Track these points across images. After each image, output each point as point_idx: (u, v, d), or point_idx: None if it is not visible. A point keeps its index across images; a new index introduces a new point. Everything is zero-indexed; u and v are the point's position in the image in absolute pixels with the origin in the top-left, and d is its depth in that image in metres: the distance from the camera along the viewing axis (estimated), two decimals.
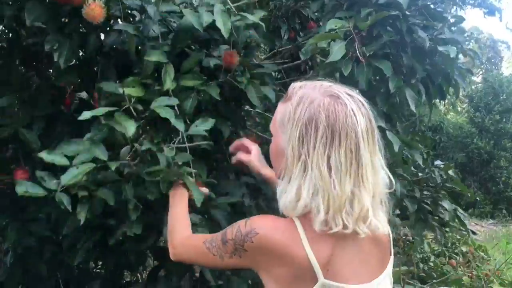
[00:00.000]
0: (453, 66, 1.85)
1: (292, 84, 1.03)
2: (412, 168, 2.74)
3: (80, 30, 1.65)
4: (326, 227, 0.90)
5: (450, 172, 2.63)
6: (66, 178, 1.23)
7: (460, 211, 2.59)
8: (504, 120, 11.23)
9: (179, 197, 1.35)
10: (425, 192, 2.73)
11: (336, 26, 1.73)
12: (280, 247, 0.91)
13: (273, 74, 3.56)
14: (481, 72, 12.66)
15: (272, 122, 1.05)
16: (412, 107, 1.76)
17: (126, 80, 1.48)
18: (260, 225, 0.94)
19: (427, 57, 1.89)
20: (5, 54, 1.75)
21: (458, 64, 1.97)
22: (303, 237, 0.92)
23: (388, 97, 1.81)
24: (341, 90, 0.95)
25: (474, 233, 3.21)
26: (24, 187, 1.21)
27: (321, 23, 2.19)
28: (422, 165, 2.23)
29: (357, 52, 1.68)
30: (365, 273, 0.97)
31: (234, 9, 1.60)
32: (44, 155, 1.27)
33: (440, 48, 1.78)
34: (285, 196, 0.95)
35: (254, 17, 1.61)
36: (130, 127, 1.30)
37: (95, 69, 1.74)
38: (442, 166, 2.78)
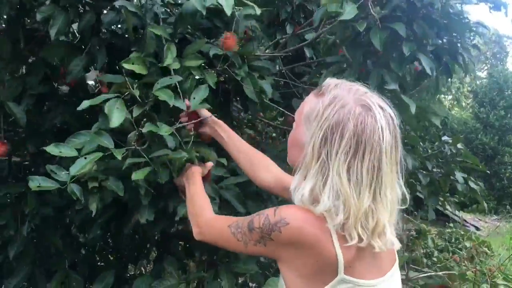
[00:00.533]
0: (465, 30, 1.85)
1: (328, 79, 1.01)
2: (422, 144, 2.76)
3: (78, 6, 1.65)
4: (342, 232, 0.90)
5: (459, 145, 2.63)
6: (75, 169, 1.26)
7: (472, 180, 2.60)
8: (509, 115, 11.23)
9: (193, 176, 1.38)
10: (435, 169, 2.74)
11: None
12: (311, 240, 0.91)
13: (278, 64, 3.55)
14: (486, 68, 12.63)
15: (298, 111, 1.04)
16: (428, 71, 1.76)
17: (129, 57, 1.47)
18: (290, 215, 0.93)
19: (437, 25, 1.90)
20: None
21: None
22: (333, 233, 0.91)
23: (402, 61, 1.81)
24: (375, 100, 0.93)
25: (477, 228, 3.21)
26: (36, 182, 1.25)
27: None
28: (438, 131, 2.21)
29: (372, 11, 1.68)
30: (378, 268, 0.98)
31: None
32: (51, 148, 1.29)
33: (452, 10, 1.78)
34: (299, 193, 0.95)
35: (255, 9, 1.61)
36: (115, 118, 1.32)
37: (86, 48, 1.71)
38: (450, 141, 2.79)
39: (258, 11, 1.60)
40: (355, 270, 0.92)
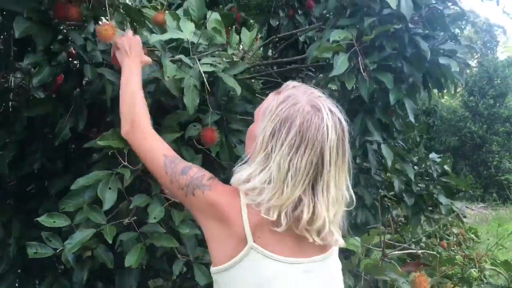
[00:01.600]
0: (452, 75, 1.88)
1: (290, 81, 1.08)
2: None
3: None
4: (259, 208, 0.99)
5: (446, 167, 2.70)
6: (72, 244, 1.38)
7: (455, 206, 2.68)
8: (497, 104, 11.30)
9: (133, 65, 1.34)
10: (419, 184, 2.80)
11: (339, 37, 1.74)
12: (222, 209, 1.02)
13: (270, 51, 3.56)
14: (476, 57, 12.65)
15: (258, 107, 1.10)
16: (411, 118, 1.80)
17: (103, 135, 1.53)
18: (215, 185, 1.05)
19: (426, 64, 1.92)
20: None
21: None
22: (243, 205, 1.01)
23: (387, 108, 1.84)
24: (326, 104, 1.00)
25: (464, 216, 3.30)
26: (34, 249, 1.38)
27: (322, 24, 2.18)
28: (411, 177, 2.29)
29: (360, 65, 1.70)
30: (299, 250, 1.03)
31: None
32: (45, 219, 1.40)
33: (442, 61, 1.81)
34: (239, 174, 1.03)
35: (236, 70, 1.67)
36: (107, 201, 1.42)
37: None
38: (437, 159, 2.84)
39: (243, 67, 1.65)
40: (266, 242, 0.99)
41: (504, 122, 11.33)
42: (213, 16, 1.78)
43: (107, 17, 1.54)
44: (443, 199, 2.68)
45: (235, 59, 1.82)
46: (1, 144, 1.73)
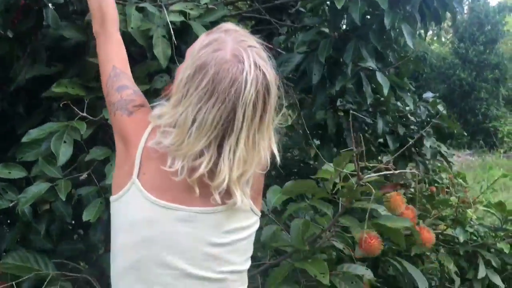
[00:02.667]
0: (452, 5, 1.71)
1: (228, 23, 1.01)
2: (398, 103, 2.67)
3: None
4: (159, 147, 0.95)
5: (440, 107, 2.56)
6: (26, 197, 1.35)
7: (444, 150, 2.58)
8: (487, 51, 11.18)
9: None
10: (411, 127, 2.68)
11: None
12: (128, 132, 1.03)
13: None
14: (467, 2, 12.36)
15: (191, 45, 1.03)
16: (410, 43, 1.66)
17: (59, 81, 1.48)
18: (136, 113, 1.05)
19: None
20: None
21: None
22: (145, 135, 0.99)
23: (382, 34, 1.68)
24: (253, 55, 0.91)
25: (451, 162, 3.24)
26: None
27: None
28: (411, 106, 2.15)
29: None
30: (178, 197, 0.97)
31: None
32: (1, 170, 1.38)
33: None
34: (156, 110, 0.99)
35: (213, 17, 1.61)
36: (62, 155, 1.38)
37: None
38: (430, 100, 2.71)
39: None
40: (148, 181, 0.96)
41: (493, 69, 11.27)
42: None
43: None
44: (430, 142, 2.56)
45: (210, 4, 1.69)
46: None
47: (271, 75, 0.92)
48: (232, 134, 0.90)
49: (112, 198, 1.03)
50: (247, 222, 1.04)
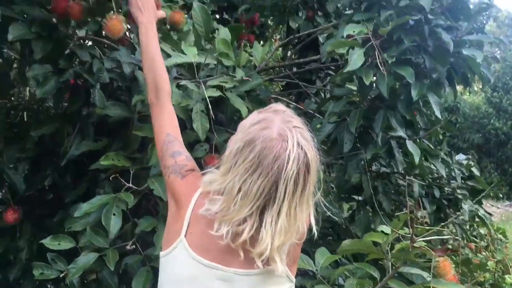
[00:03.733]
0: (479, 68, 1.76)
1: (278, 104, 1.10)
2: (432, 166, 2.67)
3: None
4: (207, 213, 1.03)
5: (474, 169, 2.55)
6: (76, 268, 1.42)
7: (482, 213, 2.52)
8: None
9: (148, 24, 1.36)
10: (446, 189, 2.66)
11: (354, 32, 1.64)
12: (181, 192, 1.13)
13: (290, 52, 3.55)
14: (499, 51, 12.31)
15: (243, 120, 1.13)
16: (437, 113, 1.70)
17: (106, 154, 1.59)
18: (188, 176, 1.15)
19: (450, 57, 1.80)
20: None
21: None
22: (195, 197, 1.09)
23: (410, 104, 1.73)
24: (297, 136, 0.99)
25: (490, 214, 3.15)
26: (39, 270, 1.43)
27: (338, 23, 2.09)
28: (443, 173, 2.15)
29: (377, 60, 1.60)
30: (220, 258, 1.04)
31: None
32: (50, 242, 1.46)
33: (465, 52, 1.69)
34: (207, 176, 1.08)
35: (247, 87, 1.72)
36: (112, 228, 1.46)
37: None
38: (463, 162, 2.69)
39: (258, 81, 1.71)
40: (194, 241, 1.04)
41: None
42: (221, 34, 1.77)
43: (114, 12, 1.50)
44: (467, 205, 2.53)
45: (246, 74, 1.80)
46: (14, 160, 1.73)
47: (312, 155, 1.00)
48: (274, 205, 0.97)
49: (161, 254, 1.11)
50: (281, 287, 1.09)
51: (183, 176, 1.15)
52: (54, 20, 1.66)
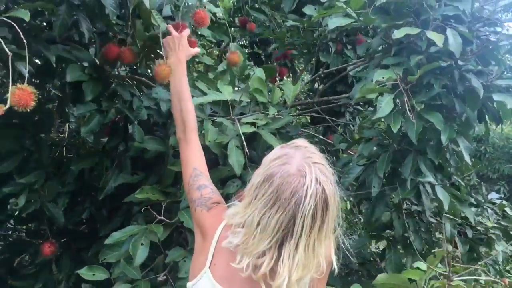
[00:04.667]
0: (510, 114, 1.76)
1: (301, 139, 1.12)
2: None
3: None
4: (229, 245, 1.06)
5: (507, 210, 2.50)
6: None
7: None
8: None
9: (178, 66, 1.46)
10: (478, 228, 2.61)
11: (383, 78, 1.68)
12: (206, 226, 1.17)
13: (317, 84, 3.62)
14: None
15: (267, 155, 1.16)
16: (467, 159, 1.69)
17: (141, 188, 1.66)
18: (213, 209, 1.20)
19: (480, 102, 1.81)
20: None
21: None
22: (219, 229, 1.14)
23: (440, 149, 1.74)
24: (315, 172, 1.00)
25: None
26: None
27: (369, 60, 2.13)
28: (471, 219, 2.13)
29: (406, 105, 1.62)
30: None
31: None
32: (85, 272, 1.52)
33: (496, 97, 1.69)
34: (230, 209, 1.11)
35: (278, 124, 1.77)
36: (138, 258, 1.52)
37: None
38: (496, 201, 2.65)
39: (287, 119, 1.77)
40: (218, 271, 1.08)
41: None
42: (257, 74, 1.83)
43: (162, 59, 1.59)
44: (501, 246, 2.47)
45: (277, 112, 1.85)
46: (54, 195, 1.81)
47: (331, 190, 1.01)
48: (292, 239, 0.99)
49: (188, 285, 1.15)
50: None
51: (209, 209, 1.20)
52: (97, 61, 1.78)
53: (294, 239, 0.99)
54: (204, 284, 1.09)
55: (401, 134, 1.94)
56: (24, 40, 1.23)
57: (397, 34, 1.62)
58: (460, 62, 1.71)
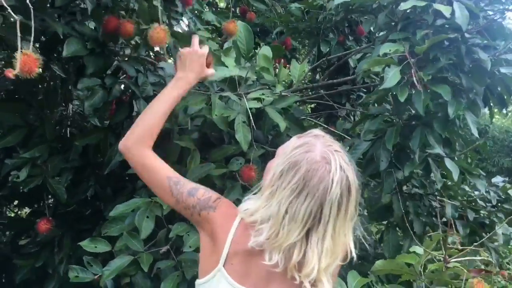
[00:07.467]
0: None
1: (316, 130, 1.12)
2: (466, 188, 2.63)
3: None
4: (259, 248, 1.02)
5: (511, 192, 2.49)
6: (110, 270, 1.45)
7: None
8: None
9: (180, 82, 1.34)
10: (481, 212, 2.60)
11: (390, 50, 1.67)
12: (216, 228, 1.11)
13: (319, 75, 3.62)
14: None
15: (282, 145, 1.14)
16: (474, 132, 1.69)
17: None
18: (219, 207, 1.13)
19: (487, 76, 1.80)
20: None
21: None
22: (233, 229, 1.09)
23: (447, 122, 1.73)
24: (339, 159, 1.01)
25: None
26: (75, 272, 1.46)
27: (373, 44, 2.13)
28: (482, 191, 2.12)
29: (414, 77, 1.62)
30: (261, 284, 1.06)
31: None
32: (87, 244, 1.50)
33: (503, 70, 1.69)
34: (247, 204, 1.08)
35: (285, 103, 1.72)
36: (144, 230, 1.50)
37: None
38: (500, 184, 2.64)
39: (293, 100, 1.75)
40: (235, 270, 1.05)
41: None
42: (263, 51, 1.82)
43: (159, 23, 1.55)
44: (502, 229, 2.46)
45: (282, 92, 1.83)
46: (58, 170, 1.79)
47: (353, 178, 1.02)
48: (320, 226, 0.99)
49: (197, 282, 1.13)
50: None
51: (214, 209, 1.14)
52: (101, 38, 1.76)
53: (322, 226, 0.99)
54: (218, 282, 1.07)
55: (407, 114, 1.93)
56: (31, 6, 1.22)
57: (404, 5, 1.62)
58: (467, 35, 1.70)
